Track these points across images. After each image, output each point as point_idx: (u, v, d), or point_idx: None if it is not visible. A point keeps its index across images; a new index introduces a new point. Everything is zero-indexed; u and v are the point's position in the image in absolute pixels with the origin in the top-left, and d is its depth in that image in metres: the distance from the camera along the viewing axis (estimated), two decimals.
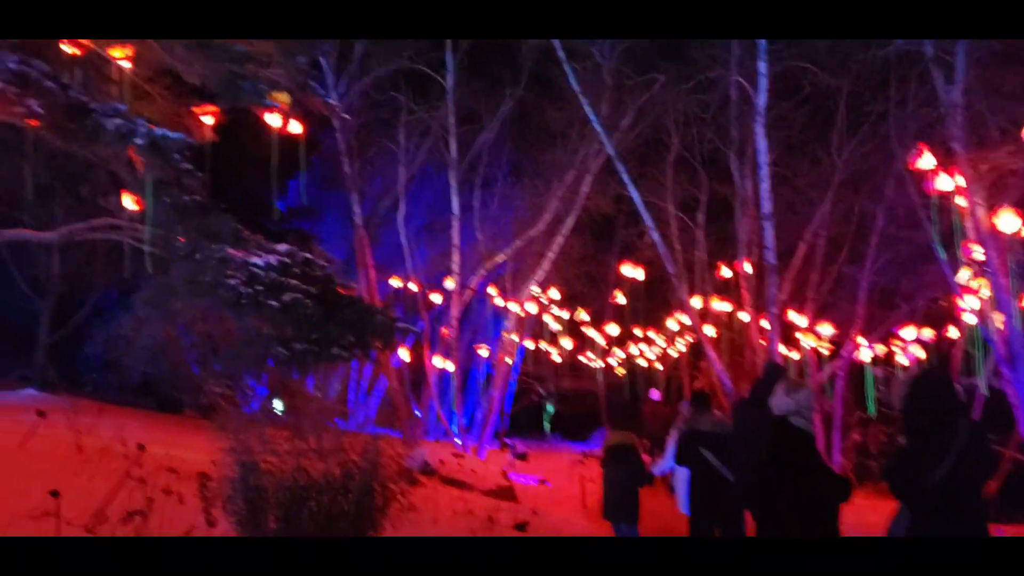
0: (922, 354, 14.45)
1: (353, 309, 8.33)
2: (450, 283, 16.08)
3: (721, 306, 14.45)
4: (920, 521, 4.17)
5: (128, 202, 9.08)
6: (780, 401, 4.73)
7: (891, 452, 6.32)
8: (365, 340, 8.43)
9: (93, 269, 17.73)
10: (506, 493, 13.28)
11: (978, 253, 8.85)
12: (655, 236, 13.45)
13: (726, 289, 16.27)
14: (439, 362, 16.46)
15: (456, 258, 15.85)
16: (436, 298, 16.45)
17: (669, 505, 7.84)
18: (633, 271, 14.49)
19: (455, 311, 16.01)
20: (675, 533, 7.49)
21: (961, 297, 9.73)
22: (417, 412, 20.69)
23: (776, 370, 5.87)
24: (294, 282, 7.72)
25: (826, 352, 17.68)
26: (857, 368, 17.50)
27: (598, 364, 25.11)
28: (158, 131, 8.18)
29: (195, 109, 10.35)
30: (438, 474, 13.42)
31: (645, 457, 8.36)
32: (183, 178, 8.41)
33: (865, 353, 14.71)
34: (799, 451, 4.64)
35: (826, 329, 13.70)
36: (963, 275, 10.34)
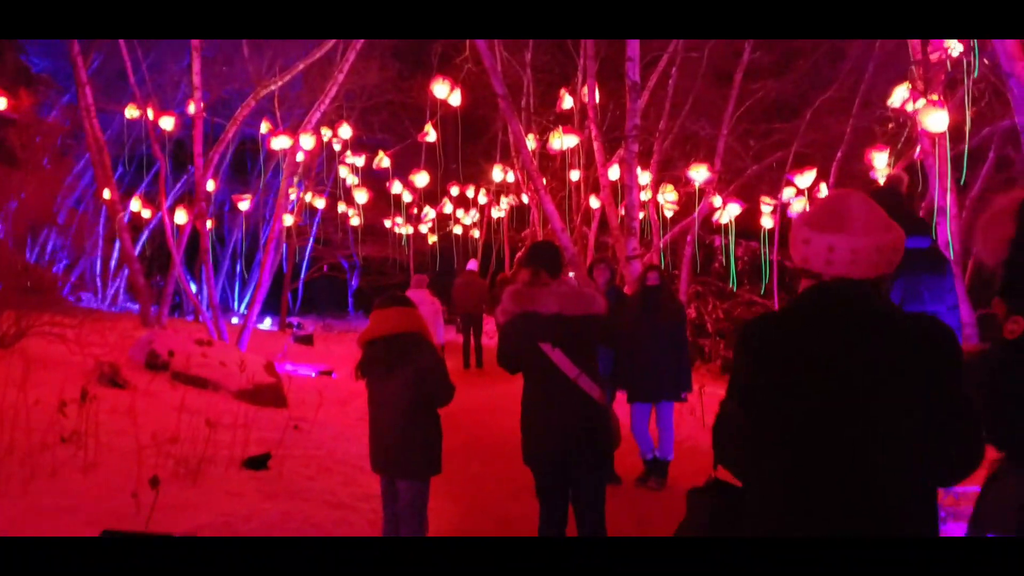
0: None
1: None
2: (192, 107, 11.34)
3: (564, 141, 10.86)
4: None
5: None
6: None
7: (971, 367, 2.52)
8: None
9: None
10: (267, 394, 10.02)
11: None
12: (480, 44, 9.66)
13: (567, 121, 12.80)
14: (182, 217, 11.95)
15: (197, 66, 11.02)
16: (167, 122, 11.56)
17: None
18: (448, 93, 10.50)
19: (199, 146, 11.29)
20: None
21: (905, 115, 6.97)
22: (192, 285, 17.12)
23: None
24: None
25: (671, 214, 15.20)
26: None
27: (406, 230, 21.52)
28: None
29: None
30: (169, 369, 9.85)
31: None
32: None
33: (730, 210, 11.82)
34: None
35: (700, 173, 10.61)
36: (899, 93, 7.55)
